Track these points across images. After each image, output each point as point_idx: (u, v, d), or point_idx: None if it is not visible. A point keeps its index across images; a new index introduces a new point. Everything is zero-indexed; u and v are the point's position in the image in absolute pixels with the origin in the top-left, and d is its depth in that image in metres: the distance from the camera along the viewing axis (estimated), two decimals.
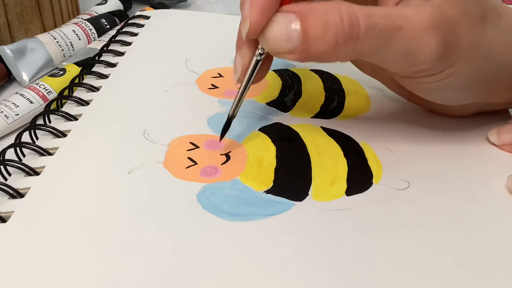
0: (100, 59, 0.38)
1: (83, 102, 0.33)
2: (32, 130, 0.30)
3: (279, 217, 0.25)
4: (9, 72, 0.38)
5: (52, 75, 0.35)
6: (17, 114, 0.32)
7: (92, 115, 0.32)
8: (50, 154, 0.29)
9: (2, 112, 0.32)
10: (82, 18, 0.44)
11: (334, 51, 0.24)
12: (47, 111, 0.31)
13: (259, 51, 0.27)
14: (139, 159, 0.28)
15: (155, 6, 0.48)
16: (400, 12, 0.25)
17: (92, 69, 0.37)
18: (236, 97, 0.28)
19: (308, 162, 0.28)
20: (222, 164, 0.28)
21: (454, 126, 0.32)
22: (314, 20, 0.24)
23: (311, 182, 0.27)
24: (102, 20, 0.43)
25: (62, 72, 0.35)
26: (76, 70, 0.36)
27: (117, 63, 0.38)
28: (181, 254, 0.23)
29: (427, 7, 0.25)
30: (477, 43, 0.26)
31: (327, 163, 0.28)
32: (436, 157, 0.29)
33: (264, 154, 0.29)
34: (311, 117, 0.32)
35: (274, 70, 0.37)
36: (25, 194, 0.26)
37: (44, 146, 0.29)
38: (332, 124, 0.32)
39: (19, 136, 0.30)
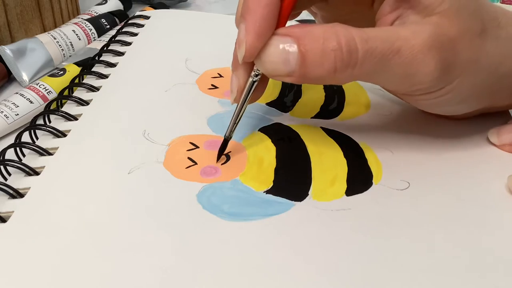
0: (100, 59, 0.38)
1: (83, 102, 0.33)
2: (32, 130, 0.30)
3: (279, 217, 0.25)
4: (9, 72, 0.38)
5: (52, 75, 0.35)
6: (17, 114, 0.32)
7: (92, 115, 0.32)
8: (50, 154, 0.29)
9: (2, 112, 0.32)
10: (82, 18, 0.44)
11: (333, 76, 0.24)
12: (47, 111, 0.31)
13: (255, 72, 0.26)
14: (139, 159, 0.28)
15: (155, 6, 0.48)
16: (398, 34, 0.24)
17: (92, 69, 0.37)
18: (232, 117, 0.28)
19: (308, 162, 0.28)
20: (222, 164, 0.28)
21: (454, 127, 0.32)
22: (311, 46, 0.24)
23: (311, 182, 0.27)
24: (102, 20, 0.43)
25: (62, 72, 0.35)
26: (76, 70, 0.36)
27: (117, 63, 0.38)
28: (181, 254, 0.23)
29: (425, 26, 0.25)
30: (477, 58, 0.26)
31: (327, 163, 0.28)
32: (436, 158, 0.29)
33: (264, 154, 0.29)
34: (311, 117, 0.32)
35: None
36: (25, 194, 0.26)
37: (44, 146, 0.29)
38: (332, 124, 0.32)
39: (19, 136, 0.30)
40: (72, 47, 0.40)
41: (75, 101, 0.33)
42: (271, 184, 0.27)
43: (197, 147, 0.29)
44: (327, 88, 0.36)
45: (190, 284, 0.21)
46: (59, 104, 0.33)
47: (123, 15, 0.46)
